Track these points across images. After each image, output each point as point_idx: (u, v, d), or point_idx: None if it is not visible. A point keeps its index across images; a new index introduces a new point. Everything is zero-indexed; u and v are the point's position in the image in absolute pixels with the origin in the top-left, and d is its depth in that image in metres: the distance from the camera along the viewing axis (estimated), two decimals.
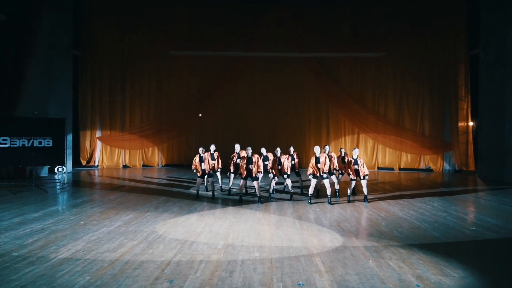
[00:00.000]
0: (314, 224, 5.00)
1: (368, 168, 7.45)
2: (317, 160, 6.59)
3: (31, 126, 8.17)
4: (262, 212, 5.92)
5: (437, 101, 13.39)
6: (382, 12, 13.13)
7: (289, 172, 7.10)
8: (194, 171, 7.30)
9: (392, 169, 13.63)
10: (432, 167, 13.58)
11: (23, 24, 9.46)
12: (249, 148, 6.83)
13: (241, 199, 6.97)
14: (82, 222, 5.04)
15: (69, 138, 12.13)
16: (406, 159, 13.79)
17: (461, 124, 12.96)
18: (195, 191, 7.35)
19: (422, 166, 13.67)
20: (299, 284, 2.97)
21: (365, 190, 6.82)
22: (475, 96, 12.46)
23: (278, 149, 7.22)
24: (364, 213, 5.92)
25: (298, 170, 7.61)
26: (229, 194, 7.74)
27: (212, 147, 7.99)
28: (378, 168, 13.60)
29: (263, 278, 3.06)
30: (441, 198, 7.39)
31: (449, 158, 13.40)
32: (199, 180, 7.28)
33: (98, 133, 13.67)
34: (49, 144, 8.24)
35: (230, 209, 6.17)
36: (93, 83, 13.29)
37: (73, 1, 12.07)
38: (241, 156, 7.35)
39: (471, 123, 12.92)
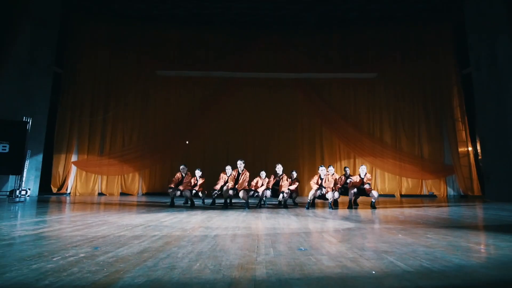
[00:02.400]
0: (316, 217, 3.94)
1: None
2: (321, 182, 5.76)
3: None
4: (249, 212, 4.81)
5: (433, 122, 12.93)
6: (372, 36, 13.27)
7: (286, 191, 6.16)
8: (170, 190, 6.20)
9: (393, 195, 12.60)
10: (436, 192, 12.62)
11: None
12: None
13: (226, 203, 5.86)
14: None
15: (39, 159, 11.01)
16: (407, 184, 12.85)
17: (460, 145, 12.37)
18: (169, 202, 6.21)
19: (425, 192, 12.70)
20: (300, 249, 1.91)
21: (374, 195, 5.83)
22: (471, 117, 12.06)
23: (280, 166, 6.38)
24: (375, 212, 4.86)
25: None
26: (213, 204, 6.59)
27: (198, 173, 7.00)
28: (379, 195, 12.58)
29: (244, 246, 2.00)
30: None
31: (452, 182, 12.52)
32: (171, 189, 6.17)
33: (74, 157, 12.52)
34: (4, 149, 7.14)
35: (210, 210, 5.03)
36: (74, 102, 12.52)
37: (60, 19, 11.83)
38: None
39: (471, 146, 12.34)
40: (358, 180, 6.00)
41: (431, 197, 12.40)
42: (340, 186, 6.14)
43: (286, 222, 3.21)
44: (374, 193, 5.90)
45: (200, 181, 6.81)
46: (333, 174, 6.18)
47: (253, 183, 6.36)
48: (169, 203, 6.15)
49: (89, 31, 12.82)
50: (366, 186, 5.81)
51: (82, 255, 1.68)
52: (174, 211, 4.83)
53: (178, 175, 6.33)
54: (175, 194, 6.15)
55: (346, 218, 3.89)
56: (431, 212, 4.94)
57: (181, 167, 6.36)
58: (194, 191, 6.60)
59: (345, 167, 6.85)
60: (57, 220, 3.41)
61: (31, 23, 10.57)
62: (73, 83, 12.58)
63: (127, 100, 12.96)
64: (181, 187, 6.17)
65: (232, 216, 4.05)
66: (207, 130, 13.18)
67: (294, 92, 13.32)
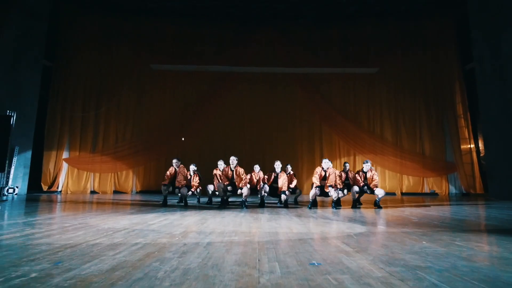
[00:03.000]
0: (320, 218, 3.59)
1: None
2: (324, 177, 5.40)
3: None
4: (248, 212, 4.46)
5: (435, 119, 12.63)
6: (372, 30, 12.92)
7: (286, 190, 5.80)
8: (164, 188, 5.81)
9: (394, 193, 12.32)
10: (437, 190, 12.36)
11: None
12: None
13: (223, 201, 5.49)
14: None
15: (28, 155, 10.57)
16: (408, 182, 12.56)
17: (462, 143, 12.10)
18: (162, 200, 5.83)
19: (426, 190, 12.42)
20: (313, 264, 1.55)
21: (380, 194, 5.49)
22: (474, 113, 11.79)
23: (278, 163, 6.02)
24: (382, 212, 4.52)
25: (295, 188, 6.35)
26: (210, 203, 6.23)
27: (192, 167, 6.60)
28: (385, 193, 12.29)
29: (242, 259, 1.64)
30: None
31: (454, 180, 12.25)
32: (164, 187, 5.79)
33: (65, 154, 12.07)
34: None
35: (205, 211, 4.66)
36: (65, 97, 12.05)
37: (50, 10, 11.35)
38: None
39: (473, 143, 12.06)
40: (362, 177, 5.66)
41: (433, 195, 12.14)
42: (342, 185, 5.80)
43: (289, 225, 2.87)
44: (380, 191, 5.56)
45: (195, 178, 6.44)
46: (328, 168, 5.80)
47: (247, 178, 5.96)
48: (161, 202, 5.77)
49: (81, 23, 12.34)
50: (375, 182, 5.46)
51: (33, 275, 1.29)
52: (166, 211, 4.46)
53: (171, 169, 5.94)
54: (168, 192, 5.77)
55: (353, 220, 3.54)
56: (442, 212, 4.61)
57: (173, 160, 5.98)
58: (191, 192, 6.25)
59: (344, 163, 6.51)
60: (31, 223, 3.02)
61: (19, 14, 10.13)
62: (65, 77, 12.12)
63: (120, 95, 12.51)
64: (177, 184, 5.78)
65: (229, 217, 3.70)
66: (203, 126, 12.79)
67: (292, 88, 12.97)
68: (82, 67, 12.30)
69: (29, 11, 10.64)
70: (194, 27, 12.90)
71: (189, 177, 6.32)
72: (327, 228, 2.85)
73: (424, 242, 2.06)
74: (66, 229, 2.57)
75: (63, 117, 12.04)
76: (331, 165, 5.84)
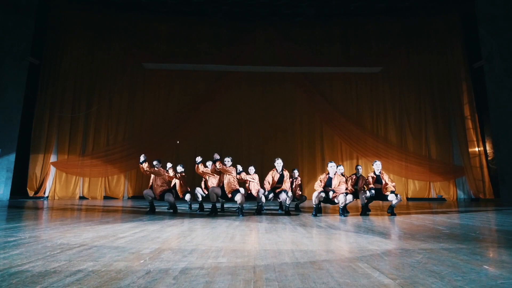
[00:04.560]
0: (329, 229, 2.98)
1: None
2: (329, 182, 4.81)
3: None
4: (244, 220, 3.83)
5: (441, 120, 12.07)
6: (375, 28, 12.44)
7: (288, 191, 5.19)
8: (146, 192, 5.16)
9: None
10: (445, 195, 11.76)
11: None
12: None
13: (214, 208, 4.86)
14: None
15: (11, 158, 9.93)
16: (414, 187, 11.97)
17: (470, 145, 11.53)
18: (148, 207, 5.19)
19: (433, 195, 11.82)
20: None
21: (394, 200, 4.89)
22: (482, 114, 11.24)
23: (279, 161, 5.43)
24: (398, 221, 3.90)
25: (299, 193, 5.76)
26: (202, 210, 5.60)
27: (179, 169, 6.01)
28: (399, 198, 11.69)
29: None
30: None
31: (462, 185, 11.66)
32: (147, 191, 5.14)
33: (53, 158, 11.41)
34: None
35: (195, 219, 4.03)
36: (53, 97, 11.42)
37: (38, 5, 10.77)
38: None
39: (481, 145, 11.50)
40: (373, 179, 5.05)
41: (440, 200, 11.55)
42: (351, 189, 5.19)
43: (294, 239, 2.27)
44: (394, 197, 4.95)
45: (177, 180, 5.76)
46: (342, 173, 5.20)
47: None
48: (148, 209, 5.14)
49: (71, 19, 11.78)
50: (390, 186, 4.86)
51: None
52: (150, 219, 3.85)
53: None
54: (152, 198, 5.14)
55: (370, 231, 2.93)
56: (469, 220, 4.01)
57: (153, 163, 5.35)
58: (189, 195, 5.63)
59: (357, 166, 5.93)
60: None
61: (4, 8, 9.56)
62: (53, 76, 11.52)
63: (111, 95, 11.90)
64: (155, 191, 5.13)
65: (221, 227, 3.09)
66: (199, 128, 12.20)
67: (292, 88, 12.44)
68: (72, 65, 11.73)
69: (15, 5, 10.09)
70: (189, 24, 12.38)
71: (172, 179, 5.68)
72: (343, 243, 2.25)
73: (485, 266, 1.48)
74: (2, 246, 1.96)
75: (51, 118, 11.42)
76: (342, 169, 5.21)
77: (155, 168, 5.25)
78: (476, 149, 11.59)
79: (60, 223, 3.36)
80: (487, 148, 11.70)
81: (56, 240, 2.18)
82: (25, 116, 10.65)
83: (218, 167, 4.76)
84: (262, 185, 5.38)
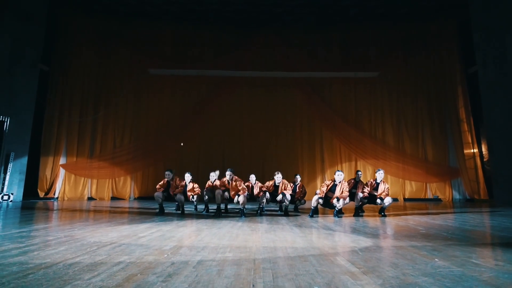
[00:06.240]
0: (322, 229, 3.39)
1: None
2: (333, 188, 5.17)
3: None
4: (246, 221, 4.26)
5: (437, 123, 12.43)
6: (373, 33, 12.78)
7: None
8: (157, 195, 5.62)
9: (396, 199, 12.08)
10: (440, 196, 12.12)
11: None
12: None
13: (218, 209, 5.28)
14: None
15: (24, 161, 10.40)
16: (411, 188, 12.33)
17: (466, 147, 11.88)
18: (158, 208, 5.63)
19: (429, 195, 12.19)
20: None
21: (387, 202, 5.27)
22: (477, 117, 11.59)
23: (279, 176, 5.81)
24: (386, 221, 4.31)
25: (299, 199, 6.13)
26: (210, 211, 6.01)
27: (188, 177, 6.12)
28: (393, 200, 12.04)
29: (234, 284, 1.45)
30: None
31: (458, 186, 12.02)
32: (157, 194, 5.58)
33: (62, 160, 11.87)
34: None
35: (202, 220, 4.46)
36: (62, 102, 11.88)
37: (47, 14, 11.23)
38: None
39: (476, 147, 11.85)
40: (372, 187, 5.42)
41: (436, 201, 11.91)
42: (348, 193, 5.57)
43: (289, 238, 2.67)
44: (388, 200, 5.32)
45: (190, 186, 6.20)
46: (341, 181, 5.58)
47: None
48: (158, 210, 5.58)
49: (78, 27, 12.22)
50: (384, 193, 5.23)
51: None
52: (161, 220, 4.26)
53: (164, 181, 5.75)
54: (162, 200, 5.58)
55: (357, 231, 3.34)
56: (449, 221, 4.41)
57: (166, 172, 5.76)
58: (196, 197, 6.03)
59: (357, 171, 6.26)
60: (12, 236, 2.83)
61: (15, 18, 10.00)
62: (61, 82, 11.98)
63: (118, 99, 12.36)
64: (171, 192, 5.61)
65: (226, 228, 3.50)
66: (202, 131, 12.62)
67: (292, 92, 12.80)
68: (80, 71, 12.17)
69: (26, 14, 10.52)
70: (192, 31, 12.78)
71: (183, 186, 6.11)
72: (330, 242, 2.66)
73: (436, 259, 1.87)
74: (47, 244, 2.39)
75: (60, 122, 11.88)
76: (342, 176, 5.59)
77: (178, 187, 5.67)
78: (471, 151, 11.94)
79: (84, 224, 3.79)
80: (483, 149, 12.04)
81: (89, 239, 2.60)
82: (36, 120, 11.13)
83: (233, 184, 5.28)
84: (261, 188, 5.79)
